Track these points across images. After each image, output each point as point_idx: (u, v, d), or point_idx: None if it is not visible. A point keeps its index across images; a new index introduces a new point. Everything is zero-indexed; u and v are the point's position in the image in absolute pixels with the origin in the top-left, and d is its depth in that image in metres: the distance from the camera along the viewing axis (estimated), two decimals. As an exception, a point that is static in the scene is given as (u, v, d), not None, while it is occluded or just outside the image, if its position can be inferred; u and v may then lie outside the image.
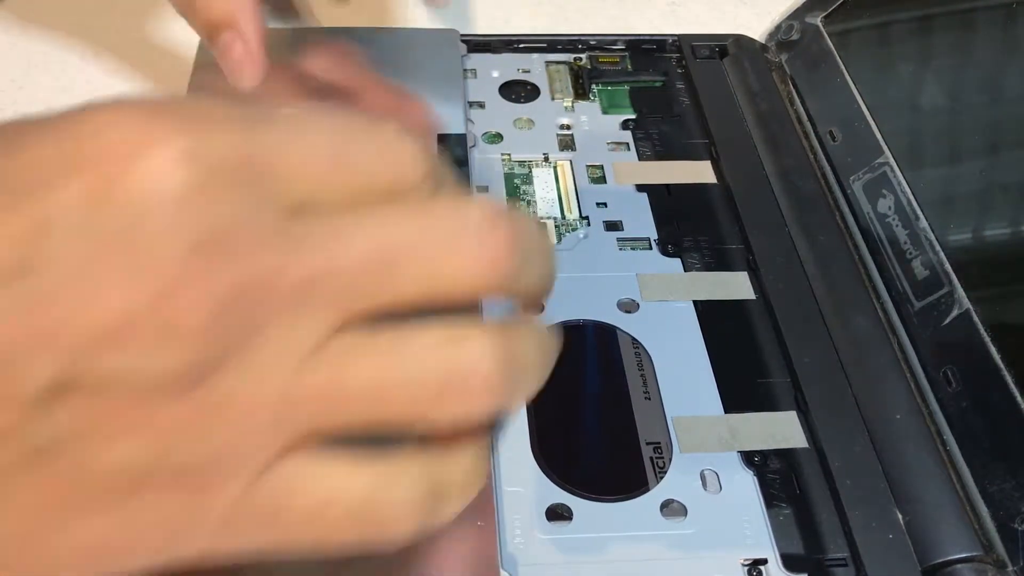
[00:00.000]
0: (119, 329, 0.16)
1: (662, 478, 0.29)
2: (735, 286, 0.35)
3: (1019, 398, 0.28)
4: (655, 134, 0.40)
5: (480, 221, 0.18)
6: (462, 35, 0.44)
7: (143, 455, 0.17)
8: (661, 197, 0.38)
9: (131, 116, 0.17)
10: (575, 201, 0.38)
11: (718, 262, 0.36)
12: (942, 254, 0.33)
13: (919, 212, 0.34)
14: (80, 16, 0.45)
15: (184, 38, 0.42)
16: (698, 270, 0.35)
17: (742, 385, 0.31)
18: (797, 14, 0.44)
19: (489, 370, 0.18)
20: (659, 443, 0.30)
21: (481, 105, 0.42)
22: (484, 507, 0.27)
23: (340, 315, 0.18)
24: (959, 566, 0.27)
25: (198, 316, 0.16)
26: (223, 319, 0.16)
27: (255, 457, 0.18)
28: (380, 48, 0.40)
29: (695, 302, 0.34)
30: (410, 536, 0.19)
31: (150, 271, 0.16)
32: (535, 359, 0.19)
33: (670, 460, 0.29)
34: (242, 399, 0.17)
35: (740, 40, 0.44)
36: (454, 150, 0.38)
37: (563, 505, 0.28)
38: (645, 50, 0.44)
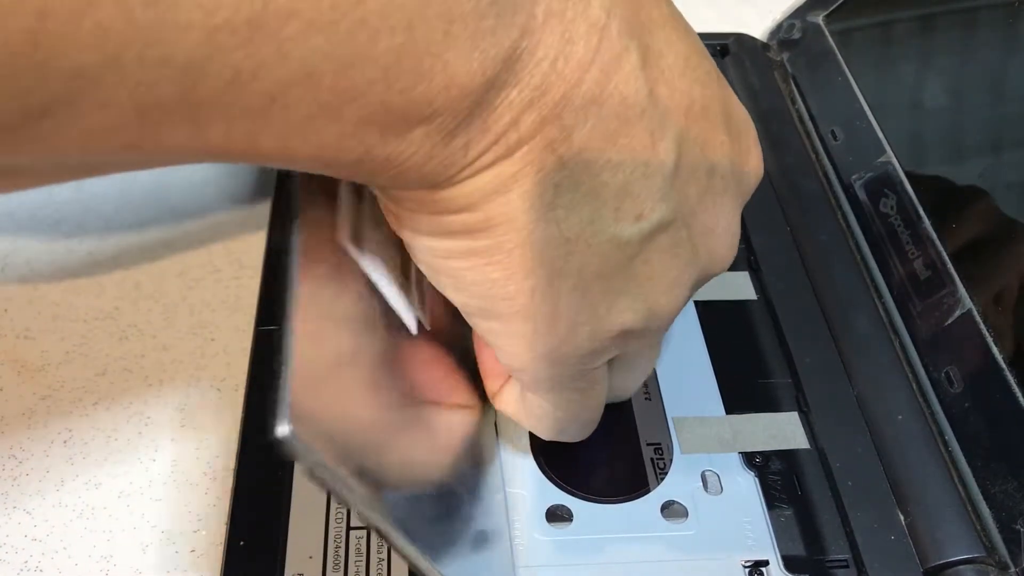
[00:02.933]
0: (719, 226, 0.24)
1: (663, 479, 0.29)
2: (736, 286, 0.35)
3: (1021, 399, 0.28)
4: (656, 133, 0.40)
5: None
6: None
7: (640, 301, 0.23)
8: (662, 196, 0.38)
9: None
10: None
11: (719, 262, 0.35)
12: (944, 254, 0.32)
13: (921, 212, 0.34)
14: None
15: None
16: (699, 270, 0.35)
17: (743, 386, 0.31)
18: (799, 13, 0.44)
19: None
20: (660, 444, 0.30)
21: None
22: (497, 511, 0.27)
23: None
24: (961, 567, 0.27)
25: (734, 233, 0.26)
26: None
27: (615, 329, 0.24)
28: None
29: (696, 302, 0.34)
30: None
31: (740, 192, 0.25)
32: None
33: (671, 461, 0.29)
34: (656, 281, 0.23)
35: (741, 39, 0.44)
36: None
37: (563, 506, 0.28)
38: (646, 49, 0.44)
